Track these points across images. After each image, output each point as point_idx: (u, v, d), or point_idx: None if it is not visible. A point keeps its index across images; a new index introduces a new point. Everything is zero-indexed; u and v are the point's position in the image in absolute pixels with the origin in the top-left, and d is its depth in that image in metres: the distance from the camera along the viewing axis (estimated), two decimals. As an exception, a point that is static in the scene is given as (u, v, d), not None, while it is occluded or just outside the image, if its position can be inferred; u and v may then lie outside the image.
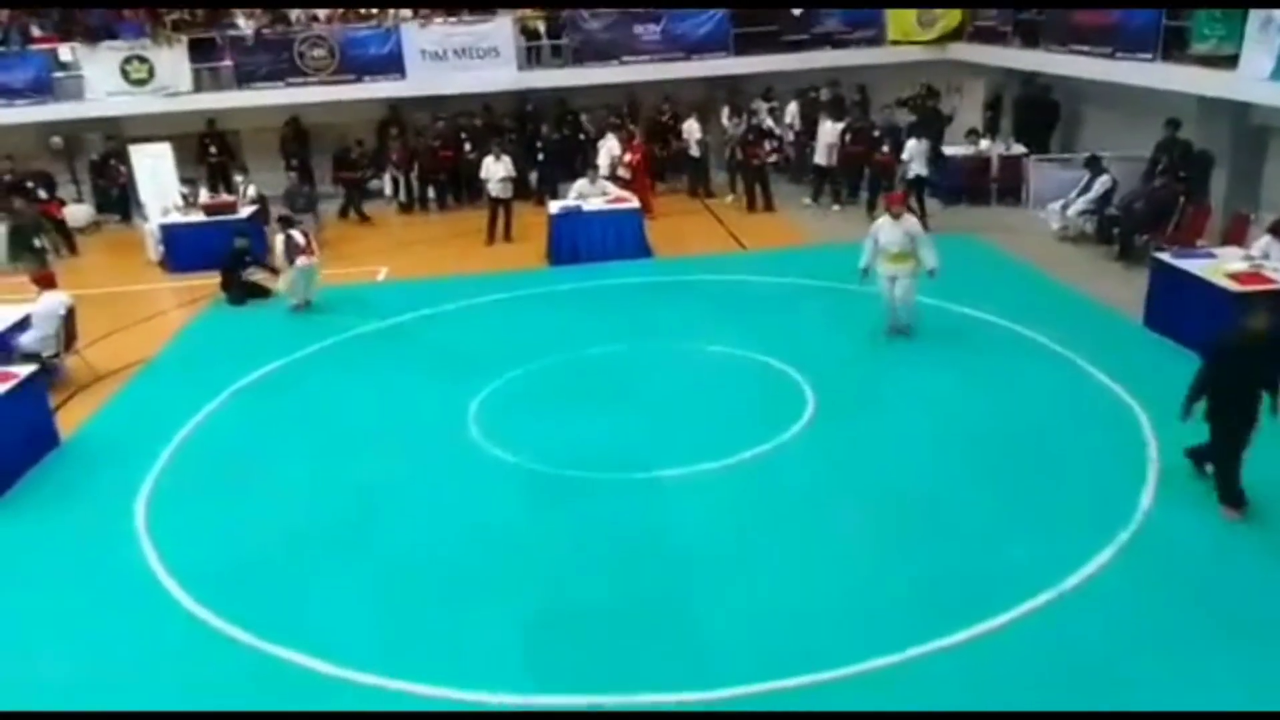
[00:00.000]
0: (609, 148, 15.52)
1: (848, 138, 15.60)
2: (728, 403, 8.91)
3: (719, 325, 10.74)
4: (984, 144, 15.76)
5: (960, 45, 17.12)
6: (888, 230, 9.88)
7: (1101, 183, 12.93)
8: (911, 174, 14.12)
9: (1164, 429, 7.71)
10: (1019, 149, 15.56)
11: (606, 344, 10.42)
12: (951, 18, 17.11)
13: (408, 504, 7.46)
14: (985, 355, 9.64)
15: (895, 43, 17.59)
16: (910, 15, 17.36)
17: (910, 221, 10.18)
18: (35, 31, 16.86)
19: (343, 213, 16.71)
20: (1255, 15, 10.28)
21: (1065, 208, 13.23)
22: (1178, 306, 9.56)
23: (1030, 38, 15.25)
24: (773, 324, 10.69)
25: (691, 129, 16.85)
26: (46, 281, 10.17)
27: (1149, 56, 12.23)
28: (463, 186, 17.05)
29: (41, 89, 16.29)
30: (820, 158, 15.76)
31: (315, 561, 6.74)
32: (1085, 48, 13.57)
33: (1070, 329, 9.92)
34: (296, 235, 12.01)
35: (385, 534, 7.05)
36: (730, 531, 6.85)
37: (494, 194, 14.76)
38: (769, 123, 16.36)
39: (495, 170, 14.65)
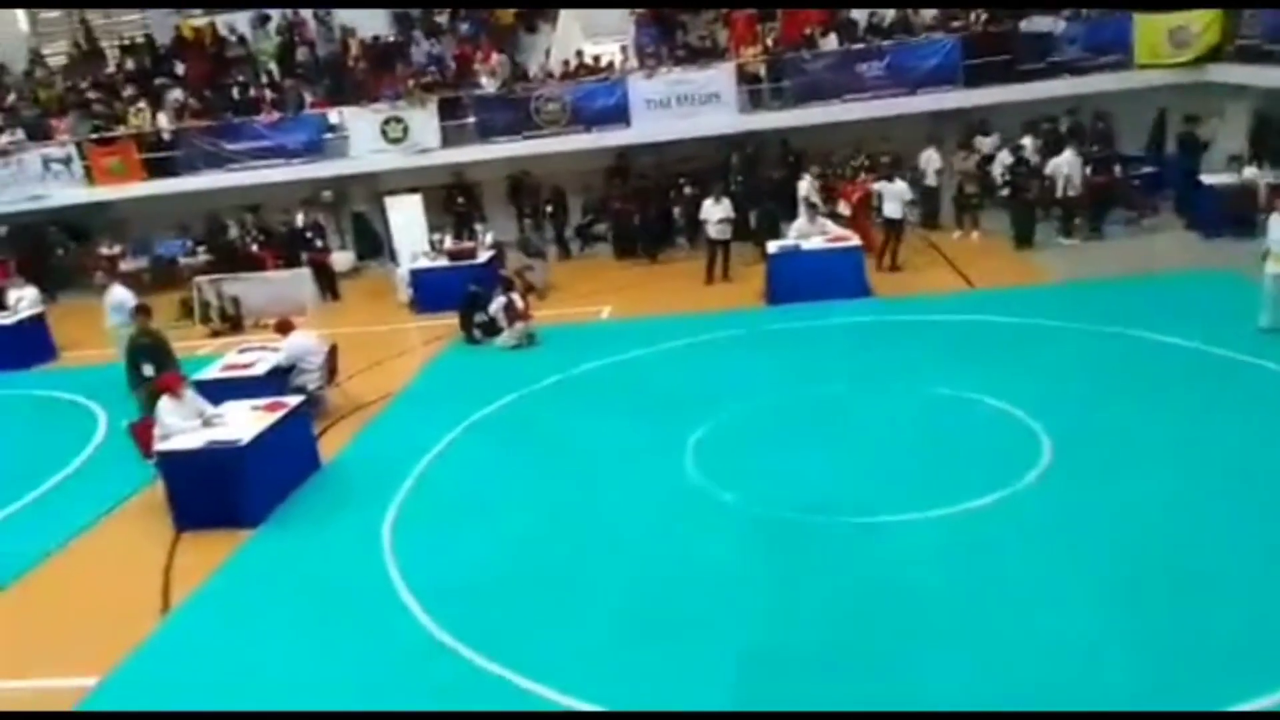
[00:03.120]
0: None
1: (1089, 169, 14.65)
2: (953, 448, 8.52)
3: (945, 367, 10.30)
4: (1249, 171, 14.34)
5: (1219, 66, 15.70)
6: (1274, 227, 10.28)
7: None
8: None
9: None
10: (1291, 176, 14.01)
11: (826, 384, 10.27)
12: (1210, 36, 15.73)
13: (625, 538, 7.64)
14: (1256, 406, 8.68)
15: (1144, 66, 16.39)
16: (1161, 36, 16.10)
17: None
18: (308, 98, 18.95)
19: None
20: None
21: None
22: None
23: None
24: (1005, 367, 10.14)
25: (931, 159, 16.49)
26: (285, 328, 11.16)
27: None
28: (681, 229, 17.41)
29: (313, 149, 18.33)
30: (1059, 190, 14.86)
31: (536, 589, 7.04)
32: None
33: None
34: (516, 299, 13.06)
35: (604, 567, 7.25)
36: (950, 583, 6.53)
37: (713, 235, 14.99)
38: (1034, 158, 15.40)
39: (714, 212, 14.89)
